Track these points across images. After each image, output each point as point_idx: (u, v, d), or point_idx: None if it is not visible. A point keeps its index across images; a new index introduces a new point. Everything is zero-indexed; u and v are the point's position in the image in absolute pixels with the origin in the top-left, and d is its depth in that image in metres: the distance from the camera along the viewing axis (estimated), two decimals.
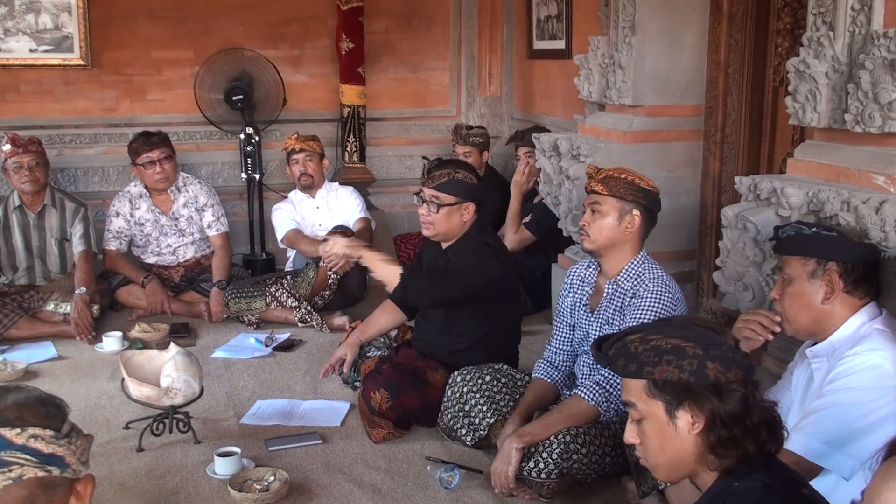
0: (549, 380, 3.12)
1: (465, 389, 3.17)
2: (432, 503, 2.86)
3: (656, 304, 2.82)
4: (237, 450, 3.04)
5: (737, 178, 3.03)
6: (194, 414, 3.37)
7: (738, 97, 3.83)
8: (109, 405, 3.64)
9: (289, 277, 4.87)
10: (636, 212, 2.91)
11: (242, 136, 5.62)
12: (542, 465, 2.72)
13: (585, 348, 3.04)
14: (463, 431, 3.17)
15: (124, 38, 5.74)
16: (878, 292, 2.24)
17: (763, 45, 3.69)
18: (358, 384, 3.61)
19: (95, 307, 4.53)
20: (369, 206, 5.60)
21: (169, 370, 3.17)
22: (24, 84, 5.63)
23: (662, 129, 4.03)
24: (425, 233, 3.50)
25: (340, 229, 4.86)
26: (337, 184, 5.41)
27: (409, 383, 3.32)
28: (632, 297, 2.89)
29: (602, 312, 2.97)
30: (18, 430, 1.27)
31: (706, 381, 1.63)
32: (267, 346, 4.36)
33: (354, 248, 3.65)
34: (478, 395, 3.14)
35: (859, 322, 2.17)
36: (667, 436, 1.68)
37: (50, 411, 1.33)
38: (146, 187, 5.03)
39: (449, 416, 3.23)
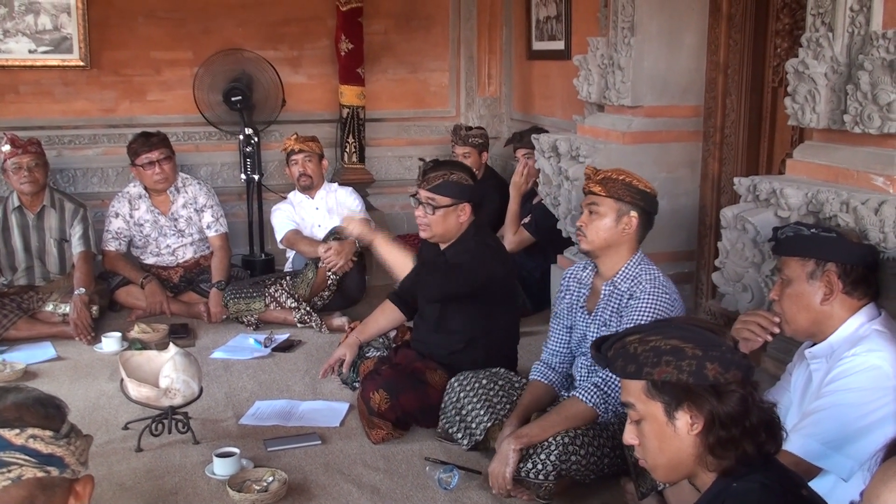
0: (546, 381, 3.12)
1: (461, 394, 3.17)
2: None
3: (653, 306, 2.83)
4: (236, 450, 3.05)
5: (736, 179, 3.03)
6: (193, 414, 3.37)
7: (738, 98, 3.83)
8: (108, 406, 3.64)
9: (288, 278, 4.87)
10: (633, 213, 2.91)
11: (241, 137, 5.62)
12: (540, 467, 2.72)
13: (583, 350, 3.04)
14: (459, 435, 3.17)
15: (123, 38, 5.74)
16: (877, 293, 2.24)
17: (762, 45, 3.70)
18: (357, 385, 3.61)
19: (94, 308, 4.54)
20: (368, 207, 5.60)
21: (168, 371, 3.17)
22: (24, 85, 5.62)
23: (661, 129, 4.03)
24: (422, 235, 3.50)
25: (339, 230, 4.87)
26: (336, 184, 5.41)
27: (408, 384, 3.32)
28: (629, 299, 2.89)
29: (599, 314, 2.97)
30: (18, 431, 1.27)
31: (705, 381, 1.64)
32: (266, 346, 4.36)
33: (370, 231, 3.63)
34: (474, 399, 3.14)
35: (858, 323, 2.17)
36: (666, 436, 1.68)
37: (49, 412, 1.33)
38: (145, 188, 5.03)
39: (446, 422, 3.23)
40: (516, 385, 3.22)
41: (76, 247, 4.78)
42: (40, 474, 1.27)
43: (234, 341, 4.48)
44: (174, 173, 5.04)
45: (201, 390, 3.28)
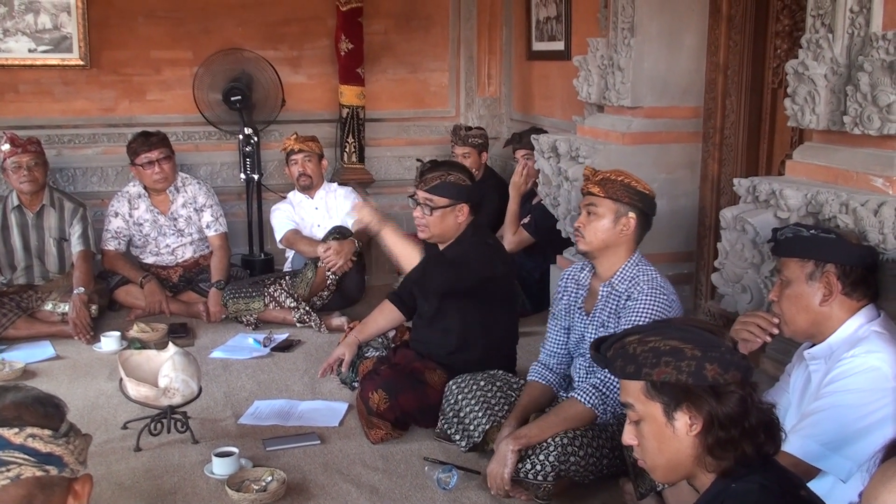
0: (544, 382, 3.12)
1: (459, 397, 3.17)
2: None
3: (651, 306, 2.83)
4: (235, 450, 3.05)
5: (735, 180, 3.03)
6: (192, 414, 3.37)
7: (737, 99, 3.83)
8: (107, 405, 3.64)
9: (287, 278, 4.87)
10: (632, 214, 2.91)
11: (241, 137, 5.62)
12: (538, 468, 2.72)
13: (581, 351, 3.04)
14: (458, 437, 3.17)
15: (123, 38, 5.74)
16: (877, 294, 2.24)
17: (762, 46, 3.70)
18: (356, 384, 3.61)
19: (94, 307, 4.54)
20: None
21: (167, 370, 3.17)
22: (23, 84, 5.62)
23: (661, 130, 4.03)
24: (420, 235, 3.50)
25: (339, 230, 4.88)
26: (336, 184, 5.41)
27: (408, 384, 3.32)
28: (626, 300, 2.89)
29: (597, 315, 2.97)
30: (16, 430, 1.27)
31: (704, 382, 1.63)
32: (265, 346, 4.36)
33: (380, 220, 3.61)
34: (472, 402, 3.13)
35: (857, 324, 2.17)
36: (665, 437, 1.68)
37: (48, 411, 1.33)
38: (145, 187, 5.03)
39: (444, 423, 3.23)
40: (514, 386, 3.22)
41: (75, 246, 4.78)
42: (39, 473, 1.27)
43: (234, 341, 4.48)
44: (174, 173, 5.04)
45: (200, 390, 3.28)
